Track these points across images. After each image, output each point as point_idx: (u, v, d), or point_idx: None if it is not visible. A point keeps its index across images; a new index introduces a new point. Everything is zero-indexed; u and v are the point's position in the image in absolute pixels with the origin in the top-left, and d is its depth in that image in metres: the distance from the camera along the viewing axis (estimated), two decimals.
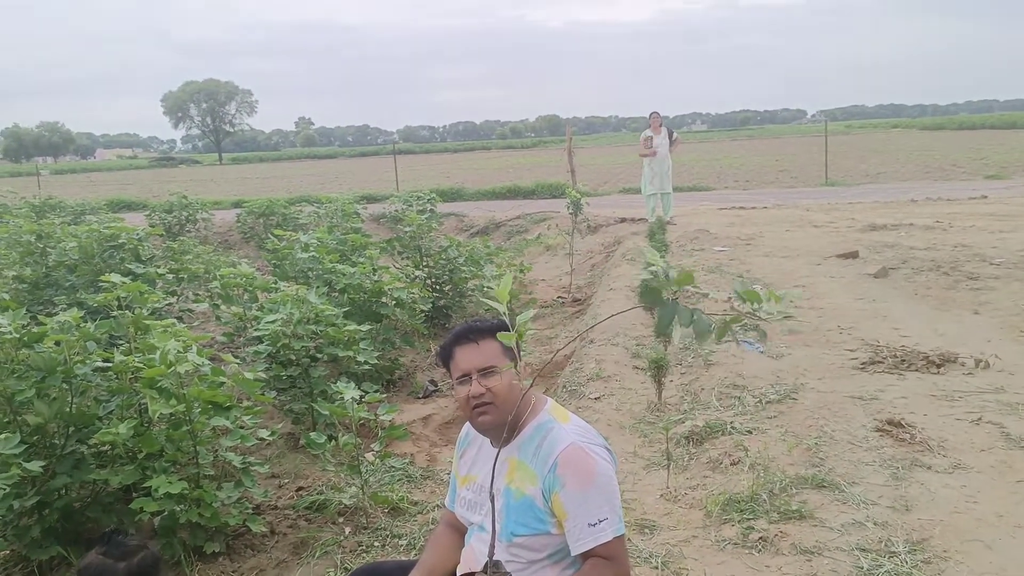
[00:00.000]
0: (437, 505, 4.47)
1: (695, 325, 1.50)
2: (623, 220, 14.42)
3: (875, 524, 3.22)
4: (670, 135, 13.43)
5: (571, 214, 10.63)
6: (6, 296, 5.73)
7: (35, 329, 3.92)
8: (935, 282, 7.86)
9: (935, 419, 4.32)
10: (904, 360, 5.32)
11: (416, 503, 4.53)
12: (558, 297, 10.09)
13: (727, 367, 5.33)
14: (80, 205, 15.55)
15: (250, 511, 4.20)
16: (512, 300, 7.96)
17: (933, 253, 9.14)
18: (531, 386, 2.10)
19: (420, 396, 6.62)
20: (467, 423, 2.48)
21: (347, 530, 4.22)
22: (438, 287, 8.65)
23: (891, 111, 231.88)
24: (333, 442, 4.49)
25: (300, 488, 4.78)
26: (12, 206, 14.52)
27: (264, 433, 4.34)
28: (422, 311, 7.21)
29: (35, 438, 3.75)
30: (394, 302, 6.90)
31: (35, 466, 3.39)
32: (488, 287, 8.35)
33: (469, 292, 8.94)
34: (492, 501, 1.82)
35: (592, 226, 14.11)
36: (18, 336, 3.79)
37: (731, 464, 3.84)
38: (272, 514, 4.38)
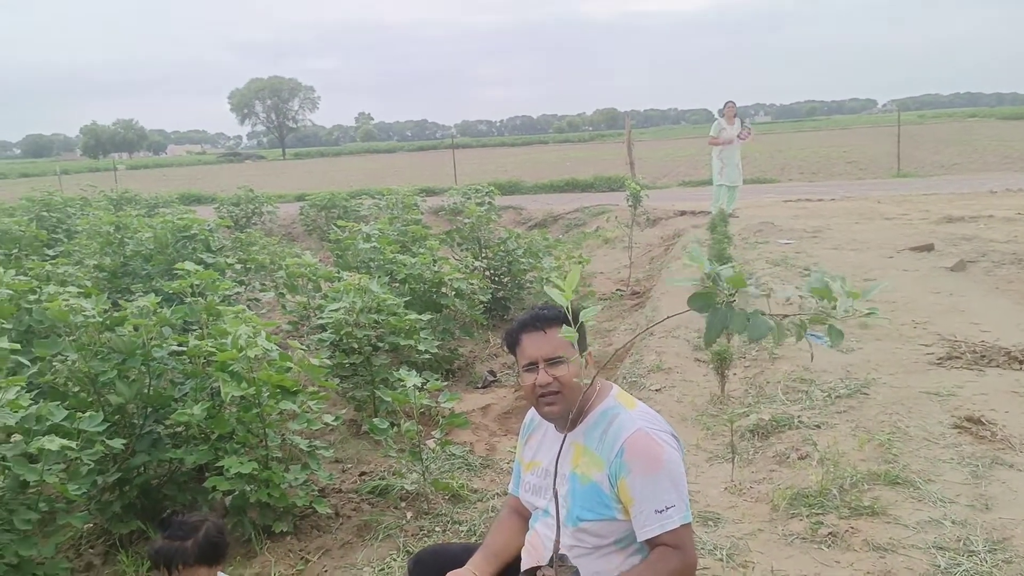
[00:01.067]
0: (497, 493, 4.50)
1: (751, 331, 1.37)
2: (683, 213, 14.22)
3: (953, 522, 3.10)
4: (743, 126, 13.14)
5: (630, 206, 10.53)
6: (88, 284, 5.99)
7: (116, 314, 4.09)
8: (1017, 276, 7.51)
9: (1017, 416, 4.13)
10: (984, 356, 5.10)
11: (476, 491, 4.56)
12: (617, 290, 10.01)
13: (793, 361, 5.21)
14: (154, 198, 16.14)
15: (316, 493, 4.30)
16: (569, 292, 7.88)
17: (1014, 246, 8.74)
18: (596, 375, 2.09)
19: (479, 386, 6.66)
20: (532, 408, 2.48)
21: (409, 515, 4.28)
22: (497, 278, 8.68)
23: (967, 100, 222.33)
24: (395, 428, 4.56)
25: (363, 473, 4.87)
26: (92, 199, 15.17)
27: (328, 418, 4.43)
28: (481, 302, 7.24)
29: (116, 417, 3.91)
30: (454, 292, 6.95)
31: (117, 443, 3.54)
32: (548, 279, 8.34)
33: (528, 284, 8.95)
34: (556, 497, 1.80)
35: (651, 219, 13.96)
36: (101, 320, 3.96)
37: (799, 458, 3.75)
38: (336, 497, 4.48)
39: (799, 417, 4.24)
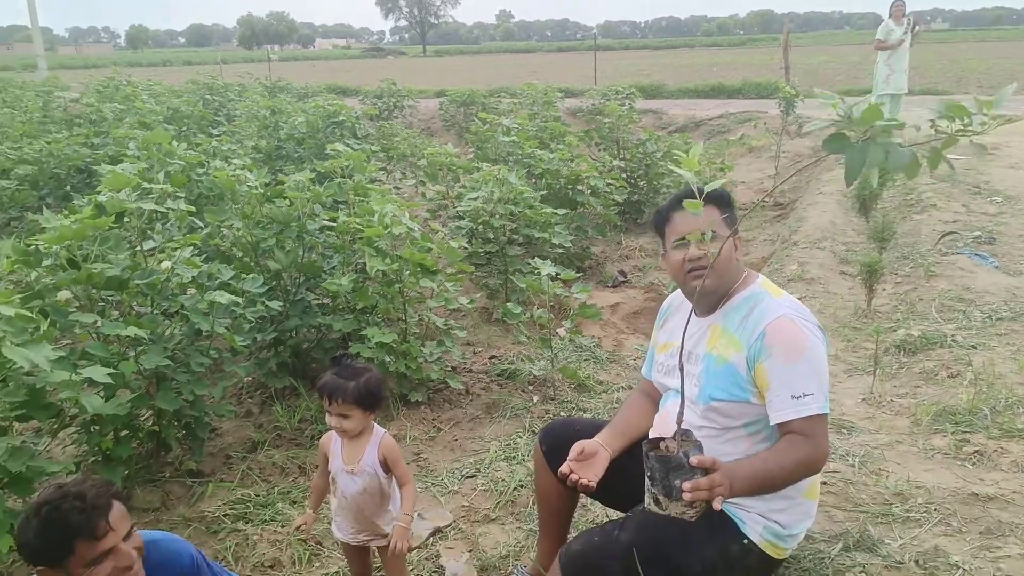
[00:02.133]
0: (621, 387, 4.57)
1: (892, 160, 1.30)
2: None
3: None
4: (912, 28, 11.89)
5: (781, 112, 9.94)
6: (248, 161, 6.40)
7: (275, 187, 4.37)
8: None
9: None
10: None
11: (601, 383, 4.65)
12: (759, 200, 9.59)
13: (952, 280, 4.86)
14: (304, 88, 16.79)
15: (449, 370, 4.53)
16: None
17: None
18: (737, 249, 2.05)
19: (609, 285, 6.67)
20: (671, 295, 2.47)
21: (535, 398, 4.44)
22: (633, 181, 8.51)
23: None
24: (527, 315, 4.68)
25: (492, 357, 5.07)
26: (248, 86, 15.98)
27: (464, 300, 4.60)
28: (616, 202, 7.16)
29: (273, 283, 4.23)
30: (589, 191, 6.91)
31: (275, 305, 3.84)
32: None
33: (664, 188, 8.73)
34: (681, 369, 1.81)
35: (803, 128, 13.10)
36: (262, 192, 4.24)
37: (949, 377, 3.55)
38: (467, 376, 4.70)
39: (953, 336, 3.99)
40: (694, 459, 1.71)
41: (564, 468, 2.23)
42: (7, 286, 2.81)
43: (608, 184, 6.97)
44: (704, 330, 2.15)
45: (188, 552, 1.91)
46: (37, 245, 3.22)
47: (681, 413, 1.78)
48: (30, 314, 2.59)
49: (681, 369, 1.81)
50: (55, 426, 2.99)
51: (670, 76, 26.12)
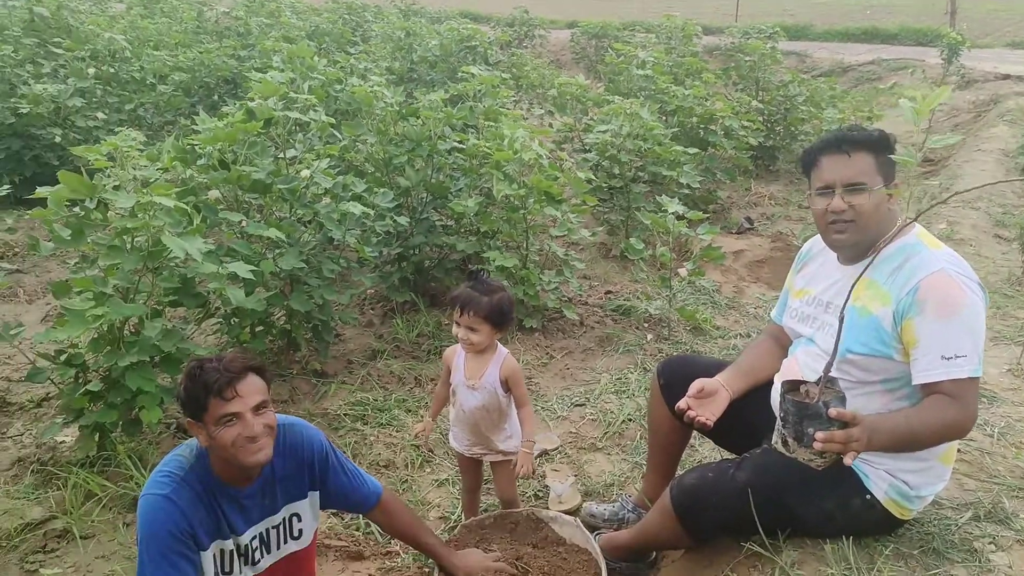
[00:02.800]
0: (739, 334, 4.45)
1: None
2: (1006, 77, 12.02)
3: None
4: None
5: (943, 60, 9.11)
6: (384, 81, 6.51)
7: (410, 105, 4.43)
8: None
9: None
10: None
11: (719, 327, 4.55)
12: (910, 158, 8.94)
13: None
14: (437, 12, 16.80)
15: (565, 300, 4.54)
16: None
17: None
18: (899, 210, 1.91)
19: (734, 231, 6.45)
20: (811, 239, 2.35)
21: (649, 336, 4.40)
22: (769, 125, 8.09)
23: None
24: (648, 252, 4.61)
25: (608, 291, 5.04)
26: (384, 8, 16.15)
27: (585, 232, 4.58)
28: (749, 145, 6.84)
29: (402, 200, 4.33)
30: (723, 132, 6.62)
31: (403, 220, 3.95)
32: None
33: (802, 136, 8.26)
34: (841, 321, 1.70)
35: (965, 79, 12.00)
36: (397, 109, 4.31)
37: None
38: (583, 308, 4.70)
39: None
40: (833, 411, 1.64)
41: (682, 404, 2.20)
42: (165, 182, 3.01)
43: (743, 126, 6.66)
44: (850, 280, 2.03)
45: (319, 440, 2.03)
46: (194, 145, 3.42)
47: (831, 363, 1.70)
48: (186, 207, 2.77)
49: (841, 321, 1.70)
50: (201, 315, 3.22)
51: (817, 17, 24.38)
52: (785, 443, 1.66)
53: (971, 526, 2.06)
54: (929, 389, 1.83)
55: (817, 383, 1.71)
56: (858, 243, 1.99)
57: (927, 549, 1.95)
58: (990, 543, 2.00)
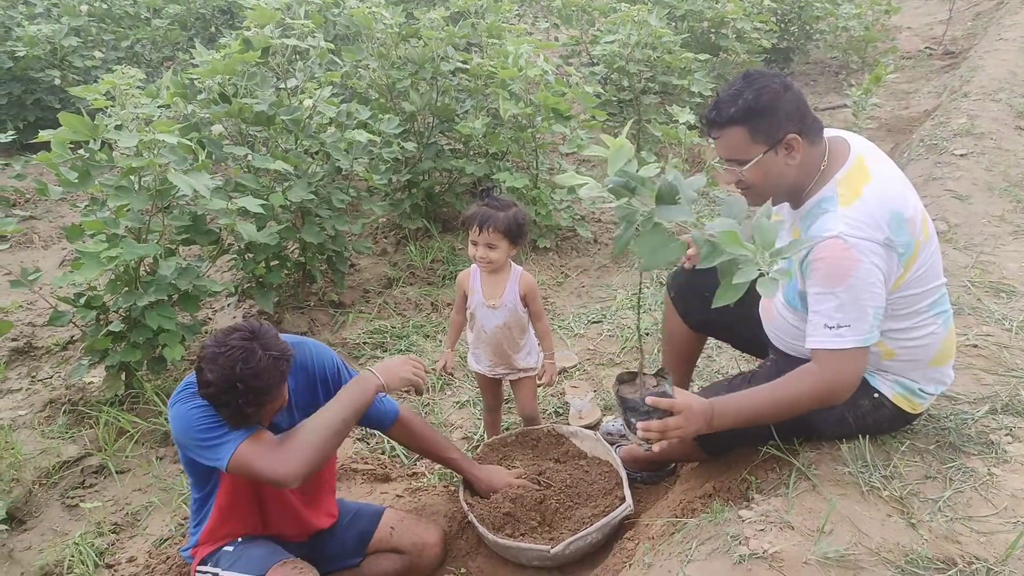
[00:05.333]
0: None
1: None
2: None
3: None
4: None
5: None
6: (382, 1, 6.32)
7: (410, 26, 4.31)
8: None
9: None
10: None
11: None
12: (925, 48, 8.62)
13: None
14: None
15: (578, 218, 4.51)
16: (867, 48, 6.92)
17: None
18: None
19: None
20: None
21: None
22: (783, 25, 7.79)
23: None
24: (661, 165, 4.53)
25: None
26: None
27: (596, 149, 4.49)
28: (763, 48, 6.61)
29: (407, 126, 4.27)
30: (735, 35, 6.40)
31: (410, 146, 3.90)
32: (844, 28, 7.35)
33: (817, 35, 7.97)
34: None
35: None
36: (397, 31, 4.20)
37: None
38: (596, 226, 4.67)
39: None
40: (650, 399, 1.70)
41: (686, 263, 2.21)
42: (167, 119, 2.98)
43: (756, 28, 6.43)
44: (792, 225, 1.96)
45: (329, 356, 2.08)
46: (193, 80, 3.37)
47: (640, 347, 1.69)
48: (190, 144, 2.75)
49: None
50: (215, 252, 3.24)
51: None
52: (630, 429, 1.76)
53: (988, 419, 2.08)
54: (814, 355, 1.79)
55: (656, 375, 1.79)
56: (772, 198, 1.87)
57: (943, 443, 1.97)
58: (1007, 435, 2.01)
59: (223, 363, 1.69)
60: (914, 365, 1.93)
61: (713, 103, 1.86)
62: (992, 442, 1.97)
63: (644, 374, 1.79)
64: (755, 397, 1.82)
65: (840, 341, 1.74)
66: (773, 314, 2.07)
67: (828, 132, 1.92)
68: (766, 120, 1.80)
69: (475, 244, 2.36)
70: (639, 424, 1.71)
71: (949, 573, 1.57)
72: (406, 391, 3.02)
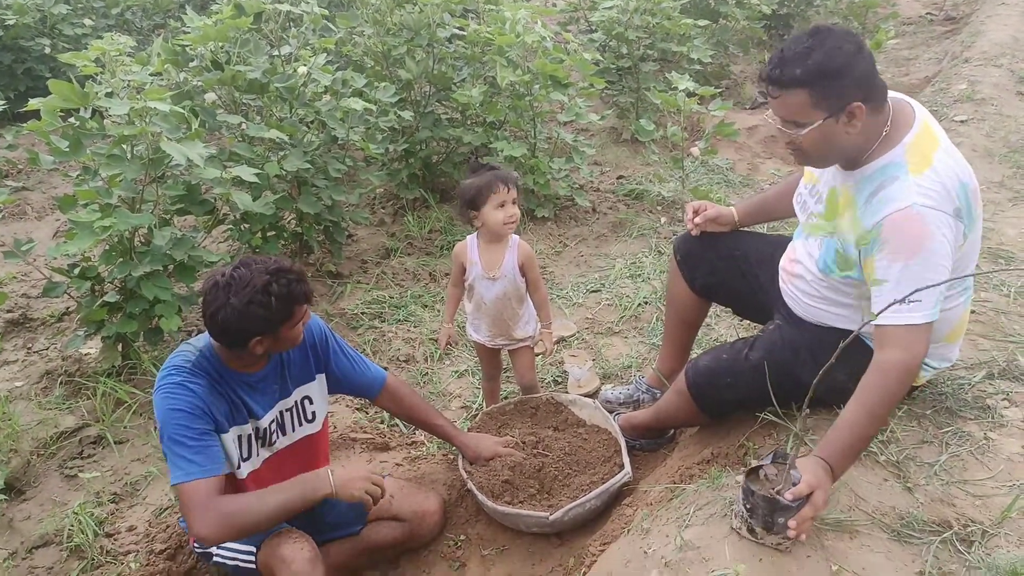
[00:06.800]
0: None
1: None
2: None
3: None
4: None
5: None
6: None
7: None
8: None
9: None
10: None
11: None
12: (926, 13, 8.52)
13: None
14: None
15: (576, 187, 4.48)
16: (868, 13, 6.81)
17: None
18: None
19: (748, 107, 6.26)
20: None
21: (663, 219, 4.36)
22: None
23: None
24: (659, 133, 4.49)
25: (620, 176, 4.96)
26: None
27: (594, 117, 4.45)
28: (763, 14, 6.52)
29: (404, 95, 4.22)
30: (734, 1, 6.31)
31: (406, 114, 3.86)
32: None
33: (817, 1, 7.86)
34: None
35: None
36: None
37: None
38: (594, 195, 4.64)
39: None
40: (789, 494, 1.54)
41: (689, 225, 2.33)
42: (159, 86, 2.94)
43: None
44: (841, 188, 1.91)
45: (318, 324, 2.11)
46: (184, 47, 3.32)
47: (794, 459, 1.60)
48: (183, 112, 2.71)
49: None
50: (210, 223, 3.21)
51: None
52: (752, 531, 1.61)
53: (985, 384, 2.08)
54: (881, 331, 1.73)
55: (773, 461, 1.64)
56: (826, 162, 1.87)
57: (940, 408, 1.98)
58: (1003, 400, 2.02)
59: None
60: (935, 336, 1.89)
61: (776, 58, 1.74)
62: (989, 407, 1.97)
63: (765, 467, 1.66)
64: (854, 423, 1.68)
65: (912, 317, 1.68)
66: (800, 273, 2.02)
67: (891, 95, 1.84)
68: (834, 86, 1.70)
69: (502, 205, 2.31)
70: (792, 523, 1.55)
71: (945, 535, 1.58)
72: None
